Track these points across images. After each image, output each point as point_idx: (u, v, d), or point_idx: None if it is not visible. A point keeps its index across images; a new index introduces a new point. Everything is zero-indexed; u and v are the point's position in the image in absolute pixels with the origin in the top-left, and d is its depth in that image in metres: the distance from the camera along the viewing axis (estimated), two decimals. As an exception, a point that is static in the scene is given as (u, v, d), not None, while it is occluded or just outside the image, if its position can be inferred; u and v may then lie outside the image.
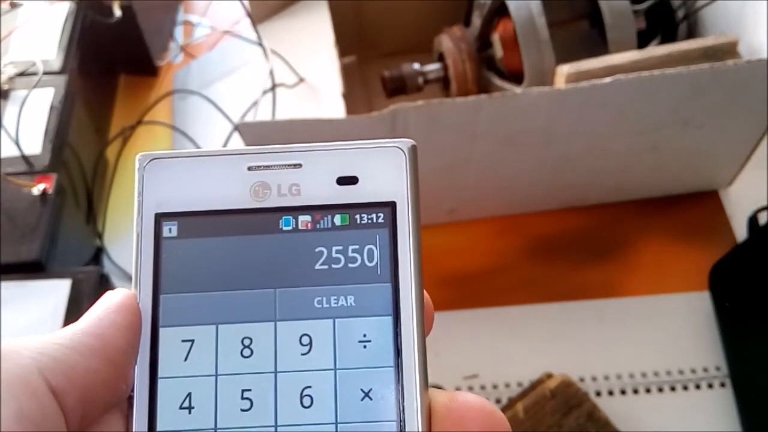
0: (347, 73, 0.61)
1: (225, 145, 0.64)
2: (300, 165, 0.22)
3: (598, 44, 0.58)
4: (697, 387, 0.55)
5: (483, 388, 0.55)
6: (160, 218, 0.22)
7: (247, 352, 0.21)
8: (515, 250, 0.62)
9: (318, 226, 0.22)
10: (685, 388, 0.55)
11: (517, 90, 0.56)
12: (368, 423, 0.20)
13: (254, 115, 0.63)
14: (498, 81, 0.62)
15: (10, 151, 0.57)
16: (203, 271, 0.21)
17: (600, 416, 0.50)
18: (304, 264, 0.21)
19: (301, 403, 0.20)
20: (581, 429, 0.50)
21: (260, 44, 0.65)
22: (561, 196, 0.63)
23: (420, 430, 0.20)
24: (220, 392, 0.20)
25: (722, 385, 0.55)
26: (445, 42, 0.63)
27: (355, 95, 0.68)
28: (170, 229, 0.22)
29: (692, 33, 0.63)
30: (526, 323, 0.58)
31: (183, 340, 0.21)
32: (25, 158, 0.57)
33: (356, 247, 0.21)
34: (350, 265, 0.21)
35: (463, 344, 0.57)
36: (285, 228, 0.22)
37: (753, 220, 0.59)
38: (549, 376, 0.53)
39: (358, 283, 0.21)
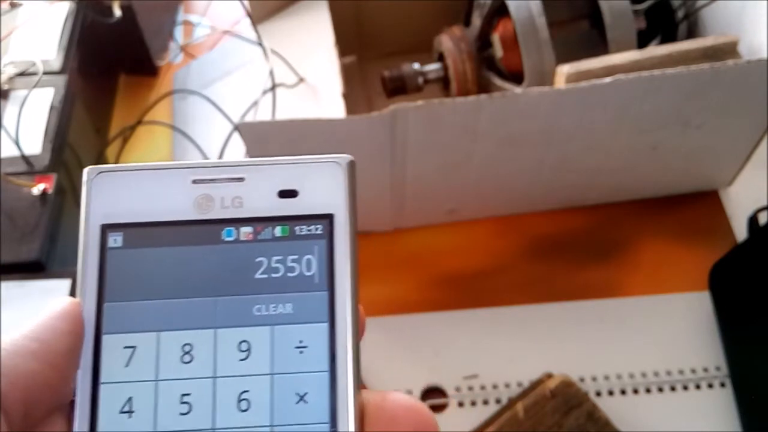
0: (347, 73, 0.61)
1: (225, 145, 0.64)
2: (243, 179, 0.23)
3: (598, 44, 0.58)
4: (697, 387, 0.55)
5: (483, 388, 0.55)
6: (106, 229, 0.22)
7: (187, 358, 0.22)
8: (515, 250, 0.62)
9: (259, 237, 0.23)
10: (685, 388, 0.55)
11: (517, 90, 0.56)
12: (302, 425, 0.21)
13: (254, 115, 0.63)
14: (498, 81, 0.62)
15: (10, 151, 0.57)
16: (147, 280, 0.22)
17: (600, 416, 0.50)
18: (245, 273, 0.22)
19: (239, 406, 0.21)
20: (581, 429, 0.50)
21: (260, 44, 0.65)
22: (561, 196, 0.63)
23: (352, 430, 0.21)
24: (160, 397, 0.21)
25: (722, 385, 0.55)
26: (445, 42, 0.63)
27: (355, 95, 0.68)
28: (115, 240, 0.22)
29: (692, 33, 0.63)
30: (526, 323, 0.58)
31: (125, 347, 0.22)
32: (25, 158, 0.57)
33: (295, 257, 0.23)
34: (289, 274, 0.22)
35: (463, 344, 0.57)
36: (227, 239, 0.23)
37: (753, 220, 0.59)
38: (549, 376, 0.53)
39: (297, 292, 0.22)
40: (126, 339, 0.22)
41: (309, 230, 0.23)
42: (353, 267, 0.23)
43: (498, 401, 0.55)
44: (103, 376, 0.21)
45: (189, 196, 0.23)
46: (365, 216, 0.62)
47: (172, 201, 0.23)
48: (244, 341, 0.22)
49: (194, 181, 0.23)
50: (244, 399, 0.21)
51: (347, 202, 0.23)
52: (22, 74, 0.62)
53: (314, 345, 0.22)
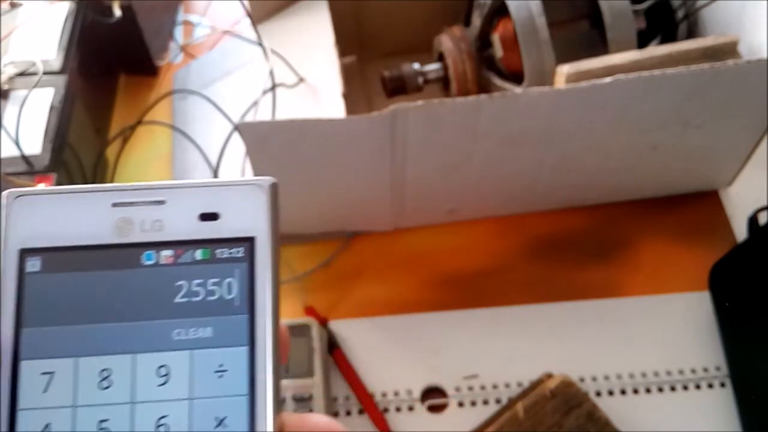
0: (347, 73, 0.61)
1: (225, 145, 0.64)
2: (163, 201, 0.23)
3: (598, 44, 0.58)
4: (697, 387, 0.55)
5: (483, 388, 0.55)
6: (24, 254, 0.22)
7: (105, 383, 0.22)
8: (515, 250, 0.62)
9: (179, 260, 0.23)
10: (685, 388, 0.55)
11: (517, 90, 0.56)
12: None
13: (254, 115, 0.63)
14: (498, 81, 0.62)
15: (10, 151, 0.57)
16: (66, 305, 0.22)
17: (600, 416, 0.50)
18: (165, 297, 0.22)
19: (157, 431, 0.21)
20: (581, 429, 0.50)
21: (260, 44, 0.65)
22: (561, 196, 0.63)
23: None
24: (78, 423, 0.21)
25: (722, 385, 0.55)
26: (445, 42, 0.63)
27: (355, 95, 0.67)
28: (34, 264, 0.22)
29: (692, 33, 0.63)
30: (526, 323, 0.58)
31: (43, 373, 0.22)
32: (25, 158, 0.57)
33: (216, 280, 0.23)
34: (209, 298, 0.22)
35: (463, 344, 0.57)
36: (147, 263, 0.23)
37: (753, 220, 0.59)
38: (549, 376, 0.53)
39: (217, 315, 0.22)
40: (44, 365, 0.22)
41: (230, 253, 0.23)
42: (274, 290, 0.23)
43: (498, 401, 0.55)
44: (21, 402, 0.21)
45: (108, 219, 0.23)
46: (365, 216, 0.62)
47: (92, 225, 0.23)
48: (163, 366, 0.22)
49: (114, 204, 0.23)
50: (162, 424, 0.21)
51: (269, 224, 0.23)
52: (22, 74, 0.62)
53: (234, 369, 0.22)
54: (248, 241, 0.23)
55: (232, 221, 0.23)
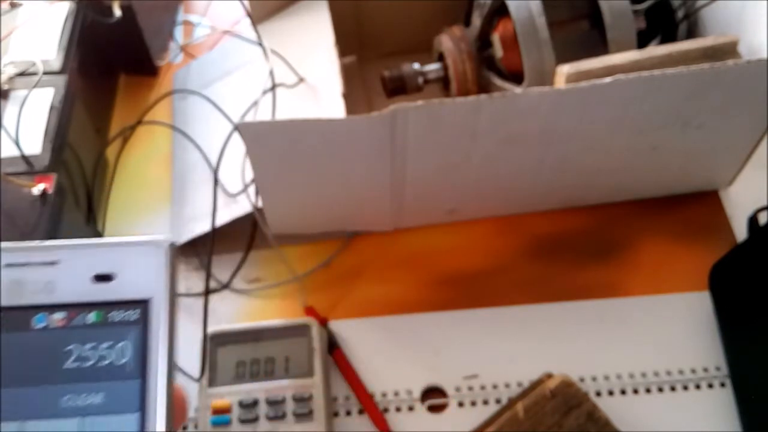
0: (347, 73, 0.61)
1: (225, 145, 0.64)
2: (56, 262, 0.22)
3: (598, 44, 0.58)
4: (697, 387, 0.55)
5: (483, 388, 0.55)
6: None
7: None
8: (515, 250, 0.62)
9: (71, 323, 0.22)
10: (685, 388, 0.55)
11: (517, 90, 0.56)
12: None
13: (254, 115, 0.63)
14: (498, 81, 0.62)
15: (10, 151, 0.57)
16: None
17: (600, 416, 0.50)
18: (55, 362, 0.22)
19: None
20: (581, 429, 0.50)
21: (260, 44, 0.65)
22: (561, 196, 0.63)
23: None
24: None
25: (722, 385, 0.55)
26: (445, 42, 0.63)
27: (355, 95, 0.67)
28: None
29: (692, 33, 0.63)
30: (526, 323, 0.58)
31: None
32: (25, 158, 0.57)
33: (109, 344, 0.22)
34: (101, 363, 0.22)
35: (463, 344, 0.57)
36: (37, 326, 0.22)
37: (753, 220, 0.59)
38: (549, 376, 0.53)
39: (109, 380, 0.22)
40: None
41: (124, 316, 0.22)
42: (170, 353, 0.22)
43: (498, 401, 0.55)
44: None
45: None
46: (365, 216, 0.62)
47: None
48: None
49: (5, 266, 0.22)
50: None
51: (167, 285, 0.22)
52: (22, 74, 0.62)
53: None
54: (144, 303, 0.22)
55: (127, 282, 0.22)
